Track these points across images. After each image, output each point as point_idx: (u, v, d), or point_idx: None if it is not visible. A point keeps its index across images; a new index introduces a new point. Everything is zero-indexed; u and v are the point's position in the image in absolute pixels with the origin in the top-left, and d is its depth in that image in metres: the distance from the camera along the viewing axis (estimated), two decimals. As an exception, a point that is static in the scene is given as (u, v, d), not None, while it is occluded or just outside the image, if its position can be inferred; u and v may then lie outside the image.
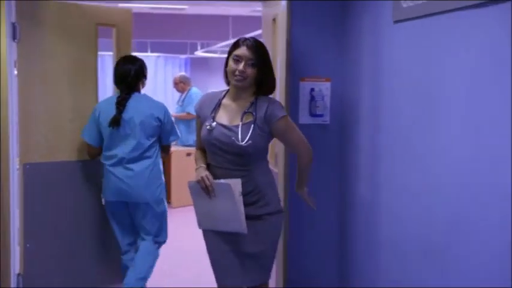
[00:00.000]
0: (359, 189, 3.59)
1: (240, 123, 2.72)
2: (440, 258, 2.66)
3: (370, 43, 3.38)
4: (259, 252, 2.83)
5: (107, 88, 8.30)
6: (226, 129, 2.73)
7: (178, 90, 7.96)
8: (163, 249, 4.03)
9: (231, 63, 2.70)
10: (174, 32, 9.99)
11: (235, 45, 2.71)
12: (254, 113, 2.72)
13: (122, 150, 3.67)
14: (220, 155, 2.75)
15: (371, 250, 3.41)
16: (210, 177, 2.71)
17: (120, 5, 4.65)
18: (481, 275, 2.34)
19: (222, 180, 2.69)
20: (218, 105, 2.82)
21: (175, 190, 7.42)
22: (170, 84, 8.96)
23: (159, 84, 11.16)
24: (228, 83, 2.83)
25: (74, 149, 3.96)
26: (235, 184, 2.67)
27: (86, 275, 4.06)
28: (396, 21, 2.99)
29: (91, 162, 3.97)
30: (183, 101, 7.74)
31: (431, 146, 2.71)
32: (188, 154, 7.34)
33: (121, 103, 3.65)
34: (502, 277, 2.18)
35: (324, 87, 3.76)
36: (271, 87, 2.85)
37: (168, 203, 7.27)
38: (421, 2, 2.73)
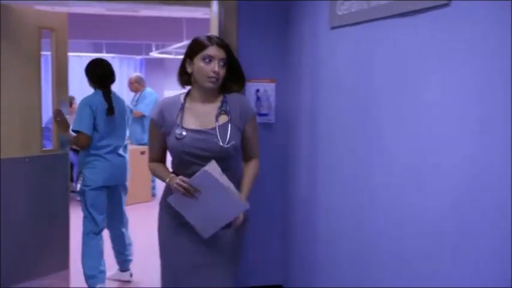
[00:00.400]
0: (300, 187, 3.76)
1: (216, 124, 2.52)
2: (374, 255, 2.85)
3: (309, 47, 3.56)
4: (226, 261, 2.64)
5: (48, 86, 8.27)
6: (201, 134, 2.50)
7: (132, 90, 8.03)
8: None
9: (201, 64, 2.45)
10: (129, 33, 9.99)
11: (202, 45, 2.47)
12: (229, 112, 2.55)
13: (116, 139, 4.16)
14: (197, 164, 2.48)
15: (309, 246, 3.59)
16: (184, 178, 2.42)
17: (56, 8, 4.77)
18: (411, 272, 2.53)
19: (197, 173, 2.40)
20: (181, 110, 2.56)
21: (129, 187, 7.45)
22: (125, 85, 9.00)
23: (115, 85, 11.12)
24: (185, 85, 2.61)
25: (20, 145, 4.09)
26: (212, 168, 2.38)
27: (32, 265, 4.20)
28: (333, 28, 3.19)
29: (39, 158, 4.17)
30: (136, 100, 7.82)
31: (367, 146, 2.89)
32: (142, 152, 7.41)
33: (109, 97, 4.11)
34: (436, 272, 2.39)
35: (269, 88, 3.94)
36: (242, 85, 2.65)
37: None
38: (354, 10, 2.93)
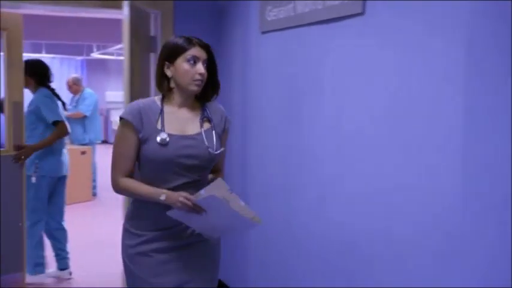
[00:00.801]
0: (233, 188, 3.87)
1: (202, 130, 2.28)
2: (302, 254, 3.02)
3: (241, 50, 3.70)
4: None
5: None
6: (187, 140, 2.24)
7: (71, 92, 7.97)
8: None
9: (186, 65, 2.20)
10: (69, 34, 9.91)
11: (183, 46, 2.23)
12: (211, 119, 2.33)
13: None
14: (178, 173, 2.22)
15: (242, 248, 3.73)
16: (189, 196, 2.11)
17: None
18: (339, 272, 2.71)
19: (203, 194, 2.11)
20: (160, 115, 2.25)
21: (69, 187, 7.38)
22: (66, 85, 8.92)
23: (55, 85, 11.00)
24: (164, 89, 2.29)
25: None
26: (220, 188, 2.15)
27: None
28: (263, 32, 3.34)
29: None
30: (76, 101, 7.77)
31: (295, 146, 3.06)
32: (83, 152, 7.42)
33: (57, 93, 4.48)
34: (365, 269, 2.57)
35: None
36: (218, 90, 2.39)
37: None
38: (282, 17, 3.10)
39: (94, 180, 7.81)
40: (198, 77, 2.20)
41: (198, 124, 2.29)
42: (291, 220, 3.08)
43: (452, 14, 1.99)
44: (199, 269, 2.29)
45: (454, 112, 1.98)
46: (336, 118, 2.67)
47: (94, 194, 7.79)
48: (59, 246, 4.47)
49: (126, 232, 2.32)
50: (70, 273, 4.50)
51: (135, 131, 2.21)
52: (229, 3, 3.84)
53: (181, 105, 2.28)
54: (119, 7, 3.62)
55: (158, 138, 2.19)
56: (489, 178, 1.85)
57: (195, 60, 2.21)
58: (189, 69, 2.20)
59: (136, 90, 3.79)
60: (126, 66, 3.54)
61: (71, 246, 4.56)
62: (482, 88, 1.88)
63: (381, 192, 2.37)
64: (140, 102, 2.28)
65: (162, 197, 2.15)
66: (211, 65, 2.29)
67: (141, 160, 2.25)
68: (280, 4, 3.09)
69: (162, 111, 2.25)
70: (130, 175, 2.25)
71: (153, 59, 4.00)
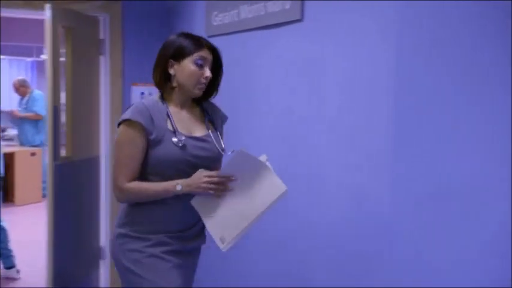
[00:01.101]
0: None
1: (209, 132, 2.20)
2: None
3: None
4: None
5: None
6: (200, 142, 2.14)
7: (19, 94, 7.86)
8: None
9: (193, 67, 2.09)
10: (18, 35, 9.75)
11: (194, 46, 2.12)
12: (213, 120, 2.27)
13: None
14: (189, 176, 2.05)
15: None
16: (211, 172, 2.03)
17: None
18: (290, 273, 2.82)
19: (231, 156, 2.00)
20: (167, 115, 2.11)
21: (18, 189, 7.37)
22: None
23: (4, 87, 10.81)
24: (166, 88, 2.16)
25: None
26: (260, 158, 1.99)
27: None
28: (209, 36, 3.42)
29: None
30: (26, 103, 7.68)
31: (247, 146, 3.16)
32: (33, 154, 7.35)
33: None
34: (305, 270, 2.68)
35: (155, 91, 4.07)
36: (217, 92, 2.29)
37: (12, 201, 7.25)
38: (227, 22, 3.20)
39: (43, 182, 7.73)
40: (203, 80, 2.11)
41: (204, 125, 2.21)
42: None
43: (381, 21, 2.13)
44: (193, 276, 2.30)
45: (385, 114, 2.13)
46: (279, 118, 2.79)
47: (44, 196, 7.71)
48: (1, 245, 4.42)
49: (125, 237, 2.13)
50: (18, 271, 4.49)
51: (145, 132, 2.04)
52: (177, 3, 3.91)
53: (182, 106, 2.17)
54: (41, 8, 3.54)
55: (174, 139, 2.06)
56: (418, 177, 2.00)
57: (202, 62, 2.11)
58: (195, 71, 2.09)
59: (81, 93, 3.82)
60: (48, 67, 3.56)
61: (17, 247, 4.53)
62: (410, 90, 2.03)
63: (302, 191, 2.50)
64: (145, 102, 2.10)
65: (179, 187, 2.01)
66: (215, 68, 2.20)
67: (149, 163, 2.07)
68: (225, 10, 3.19)
69: (168, 111, 2.12)
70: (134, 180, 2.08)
71: (103, 62, 4.05)
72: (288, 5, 2.64)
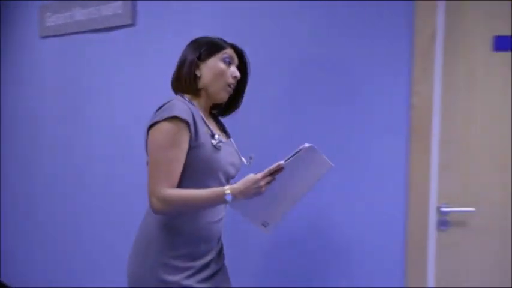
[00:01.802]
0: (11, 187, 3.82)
1: (230, 139, 1.97)
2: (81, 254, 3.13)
3: (19, 53, 3.65)
4: None
5: None
6: (230, 147, 1.90)
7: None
8: None
9: (221, 64, 1.85)
10: None
11: (220, 44, 1.88)
12: (226, 128, 2.02)
13: None
14: (221, 184, 1.82)
15: (22, 247, 3.70)
16: (265, 171, 1.66)
17: None
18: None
19: (299, 151, 1.67)
20: (201, 118, 1.79)
21: None
22: None
23: None
24: (194, 91, 1.86)
25: None
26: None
27: None
28: (42, 37, 3.37)
29: None
30: None
31: (74, 145, 3.18)
32: None
33: None
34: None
35: None
36: (241, 100, 2.00)
37: None
38: (60, 23, 3.18)
39: None
40: (232, 80, 1.85)
41: (223, 133, 1.96)
42: (77, 220, 3.19)
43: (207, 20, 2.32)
44: None
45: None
46: (110, 117, 2.87)
47: None
48: None
49: (162, 267, 1.73)
50: None
51: (189, 133, 1.71)
52: (8, 3, 3.77)
53: (205, 111, 1.89)
54: None
55: (214, 141, 1.77)
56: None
57: (230, 60, 1.87)
58: (224, 69, 1.84)
59: None
60: None
61: None
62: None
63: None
64: (182, 103, 1.73)
65: (229, 197, 1.65)
66: (243, 75, 1.94)
67: (189, 169, 1.74)
68: (59, 11, 3.18)
69: (201, 113, 1.82)
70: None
71: None
72: (120, 10, 2.73)
